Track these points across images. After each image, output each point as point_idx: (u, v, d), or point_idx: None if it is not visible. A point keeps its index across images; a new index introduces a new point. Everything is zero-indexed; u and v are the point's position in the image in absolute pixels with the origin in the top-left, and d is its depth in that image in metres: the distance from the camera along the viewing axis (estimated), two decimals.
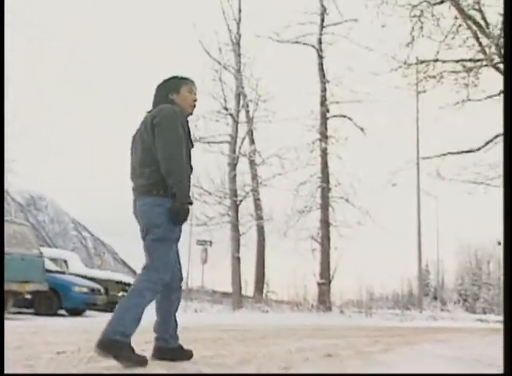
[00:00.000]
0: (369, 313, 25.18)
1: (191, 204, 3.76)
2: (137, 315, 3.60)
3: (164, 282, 3.76)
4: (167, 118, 3.78)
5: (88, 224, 43.13)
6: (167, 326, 4.03)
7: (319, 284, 23.21)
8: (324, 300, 22.66)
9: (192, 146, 4.15)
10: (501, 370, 4.85)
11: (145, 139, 3.83)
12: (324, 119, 23.50)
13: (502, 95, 15.64)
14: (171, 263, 3.84)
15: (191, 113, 4.15)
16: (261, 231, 23.30)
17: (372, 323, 20.22)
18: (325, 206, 23.11)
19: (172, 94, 4.03)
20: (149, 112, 4.03)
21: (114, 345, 3.41)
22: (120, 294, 16.67)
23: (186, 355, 4.12)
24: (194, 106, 4.15)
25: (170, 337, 4.04)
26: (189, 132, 4.05)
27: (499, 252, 67.02)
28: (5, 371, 0.76)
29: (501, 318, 43.43)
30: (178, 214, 3.66)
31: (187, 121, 4.04)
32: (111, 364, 3.50)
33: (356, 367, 4.56)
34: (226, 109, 23.33)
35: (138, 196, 3.82)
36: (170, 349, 4.01)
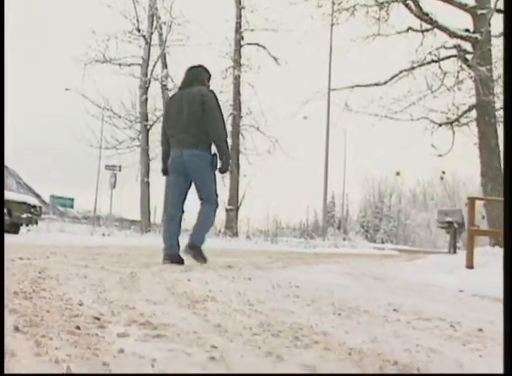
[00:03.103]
0: (274, 240, 26.11)
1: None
2: (209, 227, 5.58)
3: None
4: (215, 101, 5.36)
5: None
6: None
7: (226, 210, 23.71)
8: (231, 226, 23.26)
9: None
10: (385, 282, 5.39)
11: (193, 108, 5.27)
12: (238, 46, 23.35)
13: (409, 31, 16.12)
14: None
15: None
16: None
17: (276, 249, 21.08)
18: (236, 133, 23.33)
19: (206, 80, 5.69)
20: (180, 89, 5.65)
21: (198, 248, 5.37)
22: (25, 215, 16.23)
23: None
24: None
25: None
26: None
27: (400, 185, 70.41)
28: (5, 371, 0.86)
29: (396, 246, 46.30)
30: (226, 168, 5.46)
31: None
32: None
33: (252, 273, 4.89)
34: (139, 30, 22.60)
35: (186, 147, 5.32)
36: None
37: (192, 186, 5.59)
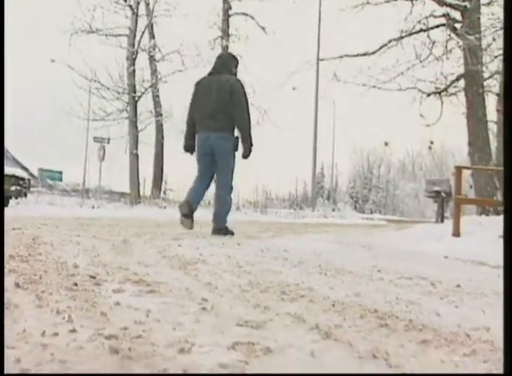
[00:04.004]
0: (264, 211, 26.20)
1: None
2: (228, 210, 5.91)
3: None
4: (243, 90, 5.77)
5: None
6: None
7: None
8: None
9: None
10: (372, 249, 5.51)
11: (221, 96, 5.67)
12: (226, 16, 23.07)
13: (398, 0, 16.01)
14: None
15: None
16: (159, 128, 23.10)
17: (266, 219, 21.22)
18: None
19: (235, 68, 6.07)
20: (210, 75, 5.96)
21: (224, 229, 5.75)
22: (14, 188, 16.20)
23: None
24: None
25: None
26: None
27: (389, 156, 70.61)
28: (5, 371, 0.90)
29: (385, 216, 46.64)
30: (248, 154, 5.80)
31: None
32: None
33: (242, 241, 4.99)
34: (125, 0, 22.27)
35: (213, 131, 5.73)
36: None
37: None
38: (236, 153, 6.00)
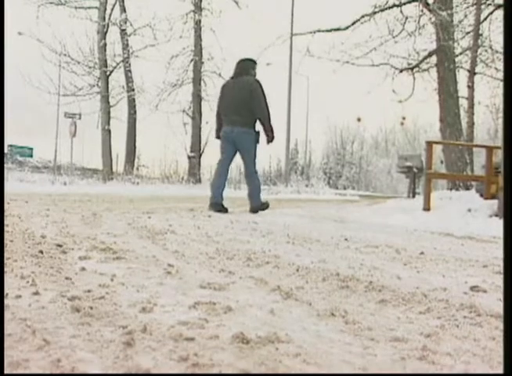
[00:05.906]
0: (237, 187, 26.22)
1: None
2: (259, 191, 6.68)
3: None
4: (261, 88, 6.52)
5: None
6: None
7: (189, 158, 23.58)
8: (194, 173, 23.17)
9: None
10: (342, 222, 5.58)
11: (243, 95, 6.46)
12: None
13: None
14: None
15: None
16: (132, 103, 22.82)
17: (239, 195, 21.21)
18: (197, 80, 22.98)
19: (253, 70, 6.85)
20: (232, 78, 6.74)
21: (260, 205, 6.43)
22: None
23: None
24: None
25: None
26: None
27: (362, 132, 70.91)
28: (5, 371, 0.89)
29: (358, 192, 46.98)
30: (271, 140, 6.67)
31: None
32: None
33: (213, 214, 5.01)
34: None
35: (236, 126, 6.46)
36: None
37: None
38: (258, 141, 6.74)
